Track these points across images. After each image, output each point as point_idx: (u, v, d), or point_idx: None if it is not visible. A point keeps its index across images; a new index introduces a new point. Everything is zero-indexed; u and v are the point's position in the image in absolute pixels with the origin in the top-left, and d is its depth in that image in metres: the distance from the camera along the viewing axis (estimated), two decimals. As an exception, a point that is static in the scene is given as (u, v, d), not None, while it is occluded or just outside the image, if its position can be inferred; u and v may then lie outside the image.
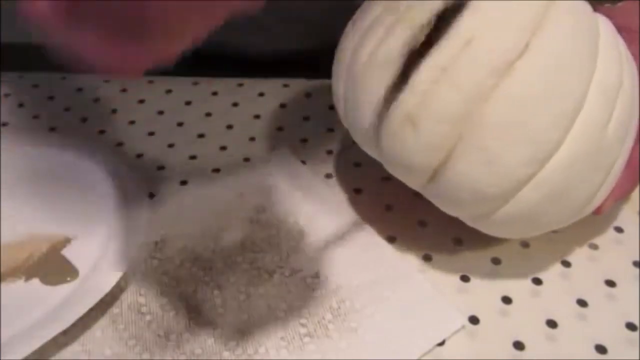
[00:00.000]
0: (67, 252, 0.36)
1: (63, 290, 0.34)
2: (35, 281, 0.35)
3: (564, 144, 0.28)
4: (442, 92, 0.28)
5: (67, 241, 0.37)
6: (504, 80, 0.28)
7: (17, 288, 0.34)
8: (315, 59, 0.50)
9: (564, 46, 0.29)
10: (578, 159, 0.29)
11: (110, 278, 0.33)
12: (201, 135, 0.45)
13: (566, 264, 0.36)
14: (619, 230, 0.38)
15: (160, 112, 0.48)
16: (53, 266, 0.35)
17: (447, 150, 0.29)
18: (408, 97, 0.29)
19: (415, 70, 0.29)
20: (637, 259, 0.36)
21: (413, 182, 0.32)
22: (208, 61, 0.51)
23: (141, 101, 0.49)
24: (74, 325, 0.31)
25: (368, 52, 0.31)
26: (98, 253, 0.35)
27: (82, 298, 0.32)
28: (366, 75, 0.31)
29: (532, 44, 0.28)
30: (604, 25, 0.31)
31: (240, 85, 0.50)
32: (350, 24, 0.34)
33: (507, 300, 0.34)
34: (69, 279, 0.34)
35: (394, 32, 0.30)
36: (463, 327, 0.32)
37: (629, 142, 0.32)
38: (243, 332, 0.32)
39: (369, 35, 0.32)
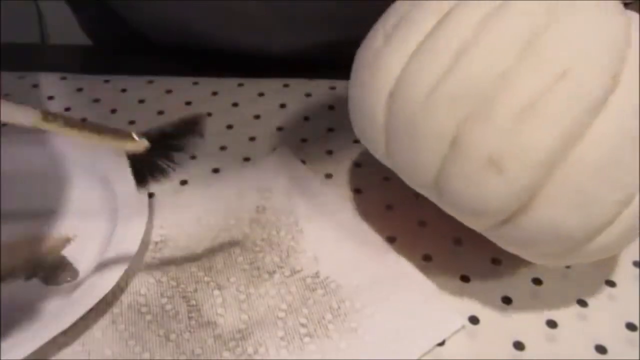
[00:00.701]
0: (67, 252, 0.36)
1: (63, 290, 0.34)
2: (35, 281, 0.35)
3: None
4: (534, 131, 0.26)
5: (67, 241, 0.37)
6: (600, 115, 0.26)
7: (17, 288, 0.34)
8: (315, 59, 0.50)
9: None
10: None
11: (110, 278, 0.33)
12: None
13: (566, 264, 0.36)
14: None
15: (160, 112, 0.48)
16: (53, 266, 0.35)
17: (532, 193, 0.27)
18: (490, 137, 0.26)
19: (498, 106, 0.26)
20: (637, 259, 0.36)
21: (477, 225, 0.30)
22: (208, 61, 0.52)
23: (141, 101, 0.49)
24: (74, 325, 0.31)
25: (429, 82, 0.28)
26: (98, 253, 0.35)
27: (82, 298, 0.32)
28: (429, 110, 0.28)
29: (623, 74, 0.26)
30: None
31: (240, 85, 0.50)
32: (381, 37, 0.31)
33: (507, 300, 0.34)
34: (69, 279, 0.34)
35: (470, 57, 0.27)
36: (463, 327, 0.32)
37: None
38: (243, 332, 0.32)
39: (425, 58, 0.28)
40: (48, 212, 0.39)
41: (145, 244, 0.37)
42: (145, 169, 0.30)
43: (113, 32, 0.57)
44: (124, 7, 0.53)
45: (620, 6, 0.28)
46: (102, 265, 0.34)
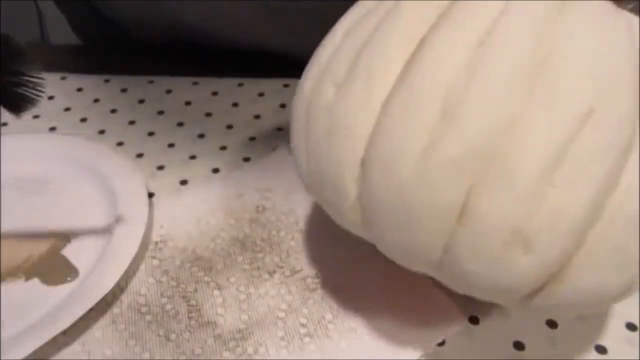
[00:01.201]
0: (67, 252, 0.36)
1: (63, 290, 0.34)
2: (35, 281, 0.35)
3: None
4: (565, 192, 0.21)
5: (67, 241, 0.37)
6: (630, 158, 0.21)
7: (17, 288, 0.34)
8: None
9: None
10: None
11: (110, 278, 0.33)
12: (201, 135, 0.45)
13: (566, 264, 0.36)
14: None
15: (160, 112, 0.48)
16: (53, 266, 0.35)
17: (566, 261, 0.22)
18: (510, 207, 0.21)
19: (514, 165, 0.21)
20: None
21: (500, 300, 0.25)
22: (208, 60, 0.52)
23: (141, 101, 0.49)
24: (74, 325, 0.31)
25: (417, 144, 0.22)
26: (98, 253, 0.35)
27: (82, 298, 0.32)
28: (424, 180, 0.22)
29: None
30: None
31: (240, 85, 0.50)
32: (330, 87, 0.25)
33: (507, 300, 0.34)
34: (69, 279, 0.34)
35: (466, 107, 0.21)
36: (463, 327, 0.32)
37: None
38: (243, 332, 0.32)
39: (404, 111, 0.22)
40: (48, 212, 0.39)
41: (145, 244, 0.37)
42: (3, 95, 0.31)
43: (101, 31, 0.57)
44: (104, 6, 0.54)
45: (620, 12, 0.24)
46: (102, 265, 0.34)
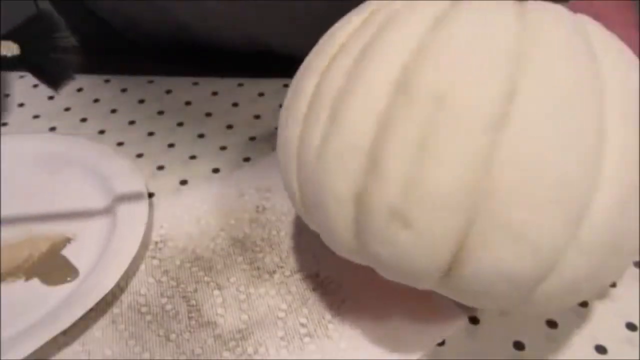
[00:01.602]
0: (67, 252, 0.36)
1: (63, 290, 0.34)
2: (35, 281, 0.35)
3: (600, 188, 0.22)
4: (431, 172, 0.22)
5: (67, 241, 0.37)
6: (504, 132, 0.22)
7: (17, 288, 0.34)
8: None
9: (560, 70, 0.23)
10: (624, 199, 0.23)
11: (110, 278, 0.33)
12: (201, 135, 0.45)
13: (566, 264, 0.36)
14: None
15: (160, 112, 0.48)
16: (53, 266, 0.35)
17: (458, 240, 0.23)
18: (386, 188, 0.23)
19: (384, 153, 0.23)
20: (637, 259, 0.36)
21: (423, 285, 0.26)
22: (208, 60, 0.52)
23: (141, 101, 0.49)
24: (74, 325, 0.31)
25: (316, 140, 0.25)
26: (98, 253, 0.35)
27: (82, 298, 0.32)
28: (322, 170, 0.25)
29: (521, 81, 0.22)
30: (592, 27, 0.25)
31: (240, 85, 0.50)
32: (284, 112, 0.29)
33: (507, 300, 0.34)
34: (69, 279, 0.34)
35: (346, 106, 0.24)
36: (463, 327, 0.32)
37: None
38: (243, 332, 0.32)
39: (311, 116, 0.26)
40: (48, 212, 0.39)
41: (145, 244, 0.37)
42: (44, 69, 0.31)
43: (97, 33, 0.57)
44: (97, 7, 0.54)
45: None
46: (102, 265, 0.34)
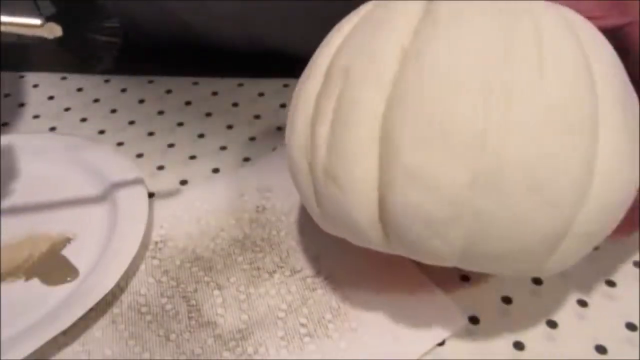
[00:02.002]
0: (67, 252, 0.36)
1: (63, 290, 0.34)
2: (35, 281, 0.35)
3: (489, 129, 0.24)
4: (343, 132, 0.25)
5: (67, 241, 0.37)
6: (397, 88, 0.25)
7: (17, 288, 0.34)
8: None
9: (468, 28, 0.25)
10: (528, 127, 0.24)
11: (110, 278, 0.33)
12: (201, 135, 0.45)
13: (566, 264, 0.36)
14: (619, 230, 0.38)
15: (160, 112, 0.48)
16: (53, 266, 0.35)
17: (375, 188, 0.25)
18: (318, 153, 0.26)
19: (316, 123, 0.27)
20: (637, 259, 0.36)
21: (373, 243, 0.28)
22: (208, 60, 0.52)
23: (141, 101, 0.49)
24: (74, 325, 0.31)
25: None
26: (98, 253, 0.35)
27: (82, 298, 0.32)
28: (290, 145, 0.29)
29: (409, 48, 0.25)
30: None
31: (240, 85, 0.50)
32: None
33: (507, 300, 0.34)
34: (69, 279, 0.34)
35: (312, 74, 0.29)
36: (463, 327, 0.32)
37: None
38: (243, 332, 0.32)
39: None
40: (48, 212, 0.39)
41: (145, 244, 0.37)
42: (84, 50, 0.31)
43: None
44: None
45: None
46: (102, 265, 0.34)
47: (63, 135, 0.45)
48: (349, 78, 0.26)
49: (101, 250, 0.35)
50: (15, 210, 0.39)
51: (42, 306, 0.33)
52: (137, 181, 0.39)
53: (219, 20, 0.49)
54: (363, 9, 0.30)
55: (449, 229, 0.25)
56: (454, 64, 0.24)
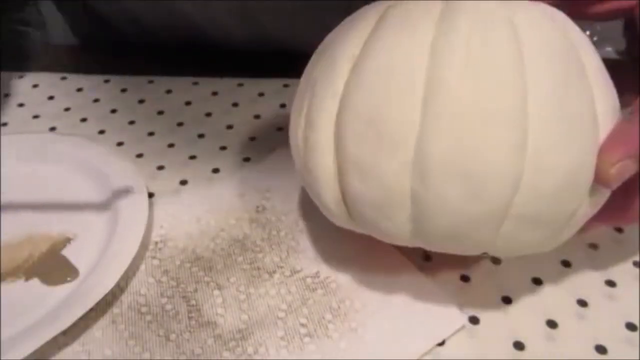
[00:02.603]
0: (67, 252, 0.36)
1: (63, 290, 0.34)
2: (35, 281, 0.35)
3: (422, 123, 0.26)
4: (312, 130, 0.29)
5: (67, 241, 0.37)
6: (345, 91, 0.28)
7: (17, 288, 0.34)
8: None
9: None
10: (449, 121, 0.26)
11: (110, 278, 0.33)
12: (201, 135, 0.45)
13: (566, 264, 0.36)
14: (619, 230, 0.38)
15: (160, 112, 0.48)
16: (53, 266, 0.35)
17: (334, 175, 0.29)
18: (299, 148, 0.31)
19: (292, 122, 0.31)
20: (637, 259, 0.36)
21: (347, 225, 0.32)
22: (208, 60, 0.52)
23: (141, 101, 0.49)
24: (74, 325, 0.31)
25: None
26: (98, 253, 0.35)
27: (82, 298, 0.32)
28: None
29: (360, 53, 0.28)
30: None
31: (240, 85, 0.50)
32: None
33: (507, 300, 0.34)
34: (69, 279, 0.34)
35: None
36: (463, 327, 0.32)
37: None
38: (243, 332, 0.32)
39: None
40: (48, 212, 0.39)
41: (145, 244, 0.37)
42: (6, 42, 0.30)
43: (97, 32, 0.57)
44: (98, 6, 0.54)
45: None
46: (102, 265, 0.34)
47: (63, 135, 0.45)
48: (315, 87, 0.29)
49: (101, 250, 0.35)
50: (15, 211, 0.39)
51: (42, 306, 0.33)
52: (137, 181, 0.39)
53: (220, 17, 0.49)
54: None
55: (394, 212, 0.28)
56: (384, 65, 0.27)
